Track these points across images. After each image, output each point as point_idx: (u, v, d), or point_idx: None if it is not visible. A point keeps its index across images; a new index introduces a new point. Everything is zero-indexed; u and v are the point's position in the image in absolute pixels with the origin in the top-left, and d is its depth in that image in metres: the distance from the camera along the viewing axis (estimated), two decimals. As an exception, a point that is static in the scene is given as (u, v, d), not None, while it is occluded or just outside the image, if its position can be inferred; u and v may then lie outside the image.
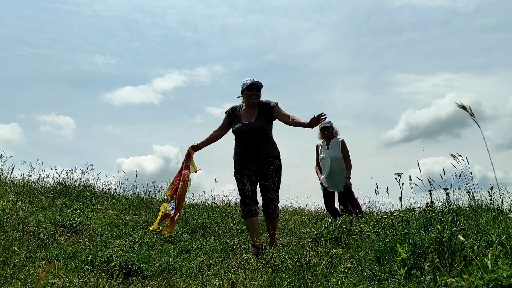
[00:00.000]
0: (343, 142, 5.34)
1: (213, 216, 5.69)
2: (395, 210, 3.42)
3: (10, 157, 6.68)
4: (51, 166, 7.21)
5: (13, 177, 6.56)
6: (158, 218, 4.07)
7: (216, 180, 7.44)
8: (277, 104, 3.85)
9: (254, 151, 3.77)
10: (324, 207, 5.59)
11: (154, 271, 2.60)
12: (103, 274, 2.38)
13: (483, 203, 3.69)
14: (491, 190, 3.79)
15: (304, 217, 6.69)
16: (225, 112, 4.06)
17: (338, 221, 3.98)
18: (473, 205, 3.52)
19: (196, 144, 4.18)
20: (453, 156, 3.07)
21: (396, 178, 2.57)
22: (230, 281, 2.29)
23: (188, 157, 4.20)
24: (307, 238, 3.84)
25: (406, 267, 2.09)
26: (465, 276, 1.56)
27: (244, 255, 3.22)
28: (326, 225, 3.97)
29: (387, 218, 2.91)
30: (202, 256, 3.34)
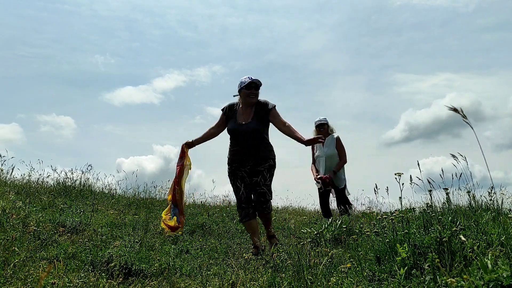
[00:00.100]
0: (338, 139, 5.30)
1: (213, 216, 5.69)
2: (395, 210, 3.42)
3: (12, 157, 6.69)
4: (51, 166, 7.22)
5: (13, 177, 6.57)
6: (166, 228, 4.05)
7: (214, 181, 7.45)
8: (275, 107, 3.79)
9: (248, 152, 3.72)
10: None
11: (154, 271, 2.60)
12: (103, 274, 2.38)
13: (483, 203, 3.69)
14: (491, 190, 3.79)
15: (304, 217, 6.69)
16: (222, 110, 3.98)
17: (338, 221, 3.98)
18: (473, 205, 3.51)
19: (190, 141, 4.11)
20: (453, 156, 3.07)
21: (396, 178, 2.57)
22: (230, 281, 2.29)
23: (183, 155, 4.14)
24: (307, 238, 3.84)
25: (406, 267, 2.09)
26: (465, 276, 1.56)
27: (244, 255, 3.22)
28: (326, 225, 3.97)
29: (387, 218, 2.91)
30: (202, 256, 3.34)
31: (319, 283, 2.12)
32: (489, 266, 1.61)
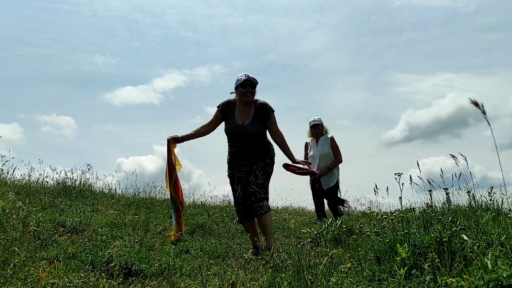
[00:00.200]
0: (332, 139, 5.31)
1: (213, 216, 5.69)
2: (395, 210, 3.42)
3: (13, 158, 6.70)
4: (50, 166, 7.22)
5: (13, 177, 6.57)
6: (175, 228, 3.82)
7: (210, 184, 7.45)
8: (273, 114, 3.67)
9: (247, 153, 3.62)
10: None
11: (154, 271, 2.60)
12: (103, 274, 2.38)
13: (483, 203, 3.69)
14: (491, 190, 3.79)
15: (304, 217, 6.69)
16: (217, 107, 3.77)
17: (338, 221, 3.98)
18: (473, 205, 3.52)
19: (180, 136, 3.75)
20: (452, 156, 3.07)
21: (396, 178, 2.57)
22: (230, 281, 2.29)
23: (169, 149, 3.75)
24: (307, 238, 3.83)
25: (406, 267, 2.09)
26: (465, 276, 1.56)
27: (244, 255, 3.22)
28: (326, 225, 3.97)
29: (387, 218, 2.91)
30: (202, 256, 3.34)
31: (319, 283, 2.12)
32: (489, 266, 1.61)
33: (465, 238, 1.73)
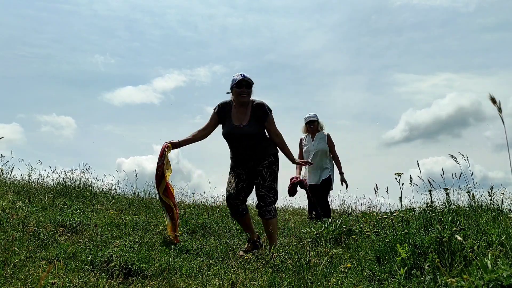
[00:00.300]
0: (329, 136, 5.30)
1: (213, 216, 5.69)
2: (395, 210, 3.42)
3: (12, 157, 6.69)
4: (50, 167, 7.21)
5: (13, 177, 6.57)
6: (170, 227, 3.74)
7: (210, 182, 7.44)
8: (271, 113, 3.61)
9: (247, 156, 3.57)
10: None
11: (154, 271, 2.60)
12: (103, 274, 2.38)
13: (483, 203, 3.69)
14: (491, 190, 3.79)
15: (304, 217, 6.68)
16: (214, 109, 3.72)
17: (338, 221, 3.98)
18: (473, 205, 3.52)
19: (177, 141, 3.65)
20: (452, 156, 3.07)
21: (396, 178, 2.57)
22: (230, 281, 2.29)
23: (162, 153, 3.63)
24: (307, 238, 3.83)
25: (406, 267, 2.09)
26: (465, 276, 1.56)
27: (244, 254, 3.22)
28: (326, 225, 3.97)
29: (387, 218, 2.91)
30: (202, 256, 3.34)
31: (319, 283, 2.12)
32: (489, 266, 1.61)
33: (459, 238, 1.72)
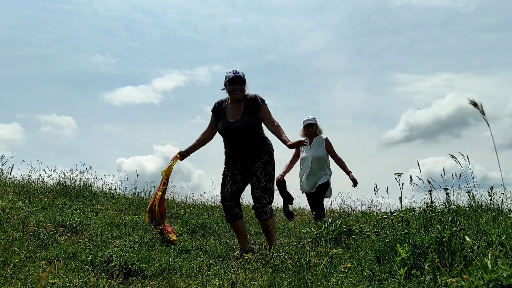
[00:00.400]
0: (327, 140, 5.12)
1: (213, 216, 5.69)
2: (395, 210, 3.42)
3: (12, 157, 6.69)
4: (48, 167, 7.22)
5: (13, 177, 6.57)
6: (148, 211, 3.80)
7: (213, 180, 7.41)
8: (264, 102, 3.54)
9: (240, 151, 3.50)
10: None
11: (154, 271, 2.60)
12: (103, 274, 2.38)
13: (483, 203, 3.69)
14: (491, 190, 3.79)
15: (304, 217, 6.69)
16: (211, 110, 3.73)
17: (338, 221, 3.97)
18: (473, 205, 3.52)
19: (184, 150, 3.74)
20: (452, 156, 3.07)
21: (396, 178, 2.57)
22: (230, 281, 2.29)
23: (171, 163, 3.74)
24: (307, 238, 3.83)
25: (406, 267, 2.09)
26: (465, 276, 1.56)
27: (244, 255, 3.22)
28: (326, 225, 3.97)
29: (387, 218, 2.91)
30: (202, 256, 3.34)
31: (319, 283, 2.12)
32: (489, 266, 1.61)
33: (468, 239, 1.73)
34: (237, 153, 3.54)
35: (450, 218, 2.76)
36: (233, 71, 3.52)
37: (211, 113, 3.75)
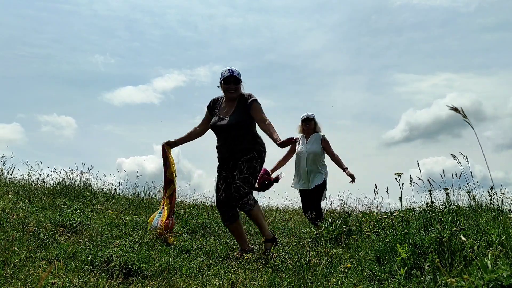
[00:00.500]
0: (324, 137, 5.03)
1: (213, 216, 5.69)
2: (395, 210, 3.42)
3: (12, 157, 6.69)
4: (48, 167, 7.21)
5: (13, 177, 6.57)
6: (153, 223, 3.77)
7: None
8: (256, 101, 3.53)
9: (230, 148, 3.50)
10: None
11: (154, 271, 2.60)
12: (103, 274, 2.38)
13: (483, 203, 3.69)
14: (491, 190, 3.79)
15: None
16: (207, 106, 3.77)
17: (338, 221, 3.97)
18: (473, 205, 3.52)
19: (173, 140, 3.80)
20: (453, 156, 3.07)
21: (396, 178, 2.57)
22: (230, 281, 2.29)
23: (165, 156, 3.78)
24: (307, 238, 3.83)
25: (406, 267, 2.09)
26: (465, 276, 1.56)
27: (244, 255, 3.22)
28: (326, 225, 3.97)
29: (387, 218, 2.91)
30: (202, 256, 3.34)
31: (319, 283, 2.12)
32: (489, 266, 1.61)
33: (463, 238, 1.73)
34: (226, 148, 3.55)
35: (450, 218, 2.76)
36: (229, 69, 3.53)
37: (206, 109, 3.78)
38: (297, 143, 5.13)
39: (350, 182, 4.94)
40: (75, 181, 6.63)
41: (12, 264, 2.31)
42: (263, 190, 4.02)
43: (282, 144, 3.26)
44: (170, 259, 2.93)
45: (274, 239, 3.62)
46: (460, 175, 3.28)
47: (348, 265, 2.37)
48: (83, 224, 3.81)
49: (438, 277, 1.81)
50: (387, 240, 2.48)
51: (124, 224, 4.31)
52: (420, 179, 3.07)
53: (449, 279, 1.53)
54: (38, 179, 6.68)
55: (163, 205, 3.89)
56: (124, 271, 2.48)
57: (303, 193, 5.09)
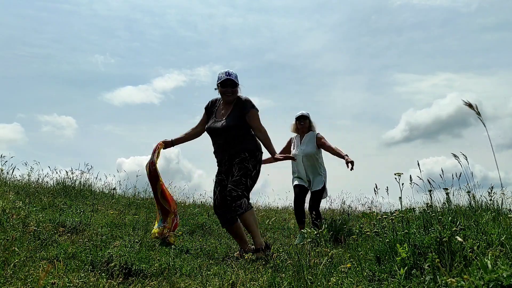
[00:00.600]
0: (318, 136, 4.82)
1: (213, 216, 5.68)
2: (395, 210, 3.42)
3: (12, 157, 6.70)
4: (49, 167, 7.21)
5: (13, 177, 6.57)
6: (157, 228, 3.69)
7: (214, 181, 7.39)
8: (255, 108, 3.52)
9: (223, 150, 3.51)
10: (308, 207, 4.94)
11: (154, 271, 2.60)
12: (103, 274, 2.38)
13: (483, 203, 3.69)
14: (491, 190, 3.79)
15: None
16: (205, 107, 3.75)
17: (338, 221, 3.97)
18: (473, 205, 3.52)
19: (170, 140, 3.74)
20: (454, 155, 3.07)
21: (396, 178, 2.57)
22: (230, 281, 2.29)
23: (154, 149, 3.69)
24: (307, 238, 3.83)
25: (406, 267, 2.09)
26: (465, 276, 1.56)
27: (244, 255, 3.21)
28: (326, 225, 3.97)
29: (387, 218, 2.91)
30: (202, 256, 3.34)
31: (319, 283, 2.12)
32: (489, 266, 1.61)
33: (459, 239, 1.73)
34: (220, 150, 3.56)
35: (450, 218, 2.75)
36: (226, 72, 3.50)
37: (204, 110, 3.78)
38: (292, 144, 4.99)
39: (350, 169, 4.58)
40: (75, 181, 6.64)
41: (12, 264, 2.31)
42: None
43: (278, 159, 3.49)
44: (170, 259, 2.93)
45: (266, 247, 3.37)
46: (460, 175, 3.28)
47: (348, 265, 2.38)
48: (83, 224, 3.81)
49: (438, 277, 1.81)
50: (387, 240, 2.48)
51: (124, 224, 4.32)
52: (420, 179, 3.07)
53: (449, 279, 1.53)
54: (38, 179, 6.68)
55: (160, 215, 3.77)
56: (124, 271, 2.47)
57: (300, 188, 4.87)
